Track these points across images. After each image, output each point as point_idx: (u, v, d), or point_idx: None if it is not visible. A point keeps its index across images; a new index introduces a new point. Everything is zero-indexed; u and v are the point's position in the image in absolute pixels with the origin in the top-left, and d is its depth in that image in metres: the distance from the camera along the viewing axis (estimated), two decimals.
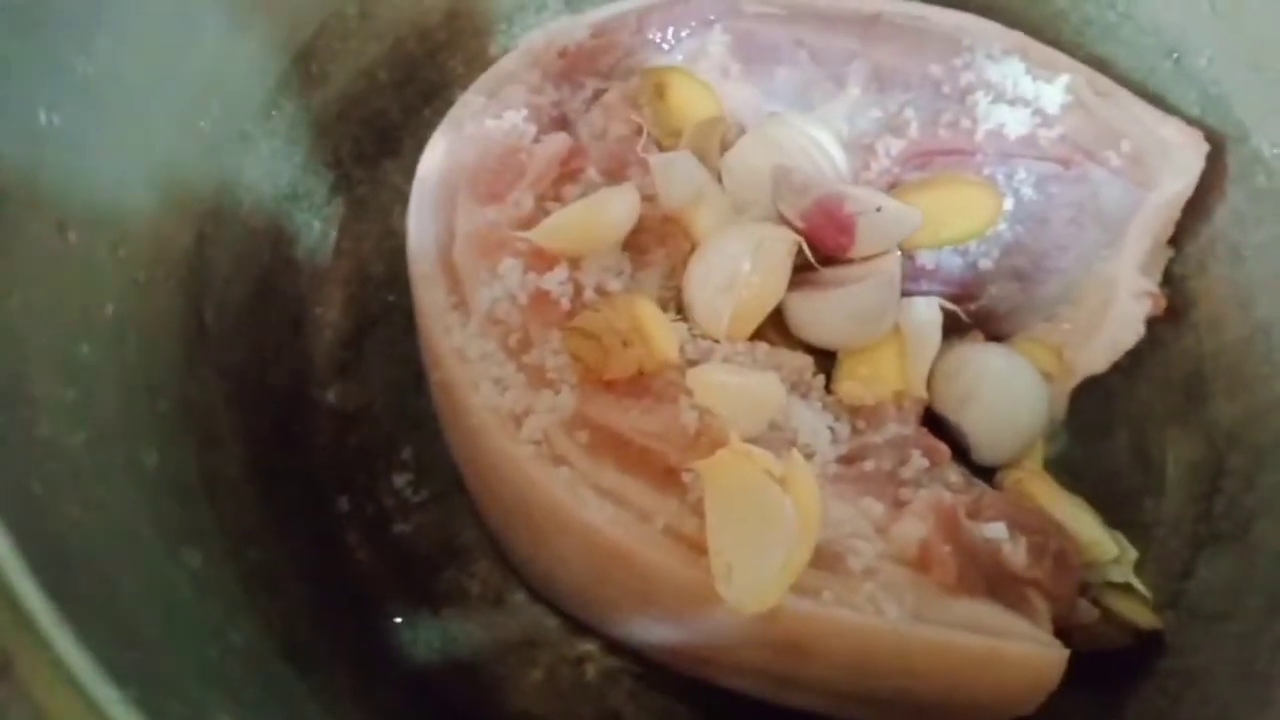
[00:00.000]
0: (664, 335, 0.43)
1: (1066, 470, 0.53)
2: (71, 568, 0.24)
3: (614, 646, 0.49)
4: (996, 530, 0.42)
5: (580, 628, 0.49)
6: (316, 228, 0.55)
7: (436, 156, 0.49)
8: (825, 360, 0.48)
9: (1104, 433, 0.55)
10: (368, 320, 0.55)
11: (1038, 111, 0.50)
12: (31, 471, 0.26)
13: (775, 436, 0.43)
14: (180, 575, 0.33)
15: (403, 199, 0.56)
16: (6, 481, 0.24)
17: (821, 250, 0.46)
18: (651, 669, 0.48)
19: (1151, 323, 0.52)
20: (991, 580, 0.42)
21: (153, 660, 0.25)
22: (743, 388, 0.43)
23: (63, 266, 0.34)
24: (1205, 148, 0.51)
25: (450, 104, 0.53)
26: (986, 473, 0.50)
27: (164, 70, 0.42)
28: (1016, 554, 0.42)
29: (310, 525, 0.48)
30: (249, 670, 0.34)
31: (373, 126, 0.57)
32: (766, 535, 0.38)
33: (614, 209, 0.45)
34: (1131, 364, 0.53)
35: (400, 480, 0.52)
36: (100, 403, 0.33)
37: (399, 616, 0.49)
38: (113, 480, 0.32)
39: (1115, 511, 0.50)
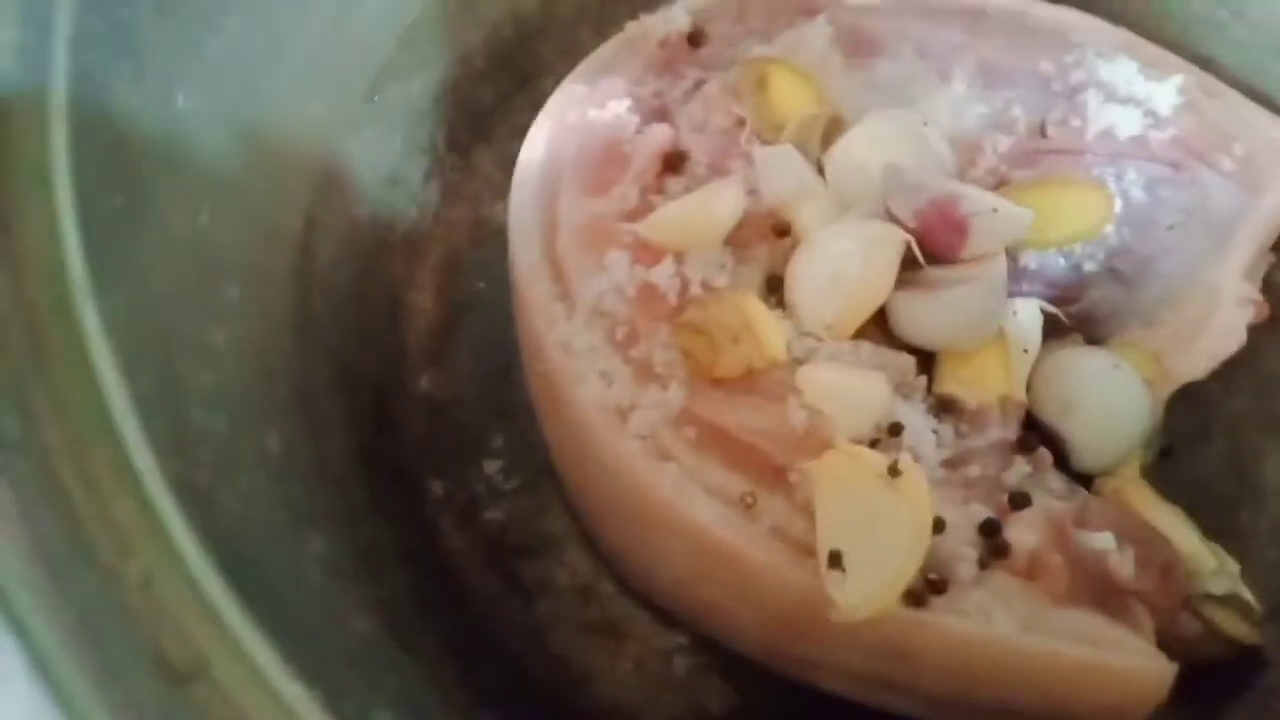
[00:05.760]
0: (773, 333, 0.42)
1: (1160, 478, 0.52)
2: (243, 564, 0.24)
3: (703, 641, 0.48)
4: (1104, 540, 0.42)
5: (669, 620, 0.49)
6: (412, 214, 0.55)
7: (538, 147, 0.48)
8: (924, 360, 0.48)
9: (1199, 441, 0.53)
10: (459, 308, 0.55)
11: (1149, 112, 0.49)
12: (195, 464, 0.27)
13: (882, 437, 0.43)
14: (309, 560, 0.33)
15: (493, 186, 0.57)
16: (176, 474, 0.24)
17: (931, 251, 0.45)
18: (741, 665, 0.48)
19: (1249, 329, 0.51)
20: (1098, 591, 0.42)
21: (315, 654, 0.25)
22: (851, 388, 0.42)
23: (196, 250, 0.34)
24: None
25: (541, 91, 0.52)
26: (1083, 479, 0.49)
27: (280, 52, 0.42)
28: (1124, 565, 0.41)
29: (407, 510, 0.49)
30: (376, 659, 0.34)
31: (466, 113, 0.57)
32: (880, 540, 0.38)
33: (721, 204, 0.44)
34: (1226, 370, 0.52)
35: (491, 468, 0.52)
36: (232, 389, 0.34)
37: (492, 604, 0.49)
38: (249, 466, 0.32)
39: (1210, 521, 0.48)
